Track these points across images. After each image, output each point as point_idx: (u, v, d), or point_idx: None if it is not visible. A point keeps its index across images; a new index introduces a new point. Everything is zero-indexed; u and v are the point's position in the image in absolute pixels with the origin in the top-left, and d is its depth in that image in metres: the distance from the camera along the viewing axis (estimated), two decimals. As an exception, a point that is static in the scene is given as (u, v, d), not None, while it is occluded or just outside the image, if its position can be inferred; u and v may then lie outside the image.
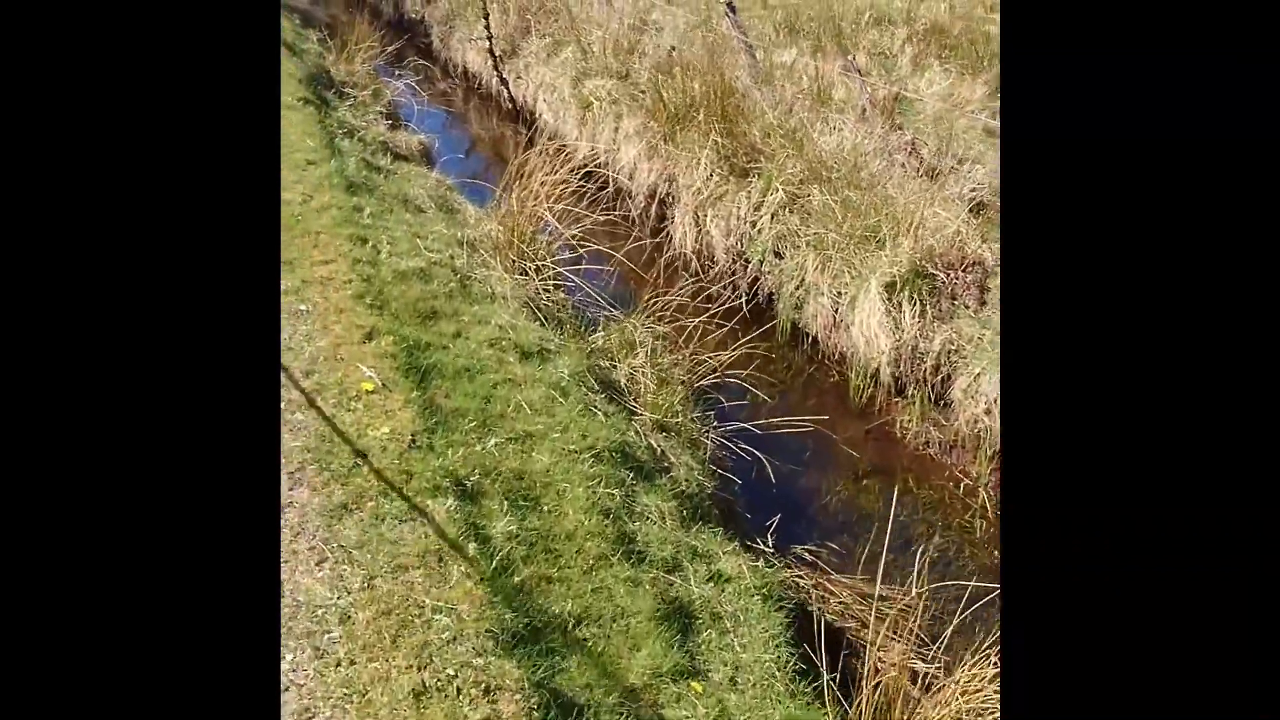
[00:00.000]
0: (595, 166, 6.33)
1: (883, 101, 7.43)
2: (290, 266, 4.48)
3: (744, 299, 6.31)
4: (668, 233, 6.98)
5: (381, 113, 8.35)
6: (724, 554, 3.76)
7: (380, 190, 5.97)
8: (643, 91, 8.14)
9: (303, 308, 4.14)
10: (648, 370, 4.93)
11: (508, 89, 8.58)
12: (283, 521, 2.92)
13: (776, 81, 7.75)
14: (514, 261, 5.43)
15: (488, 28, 8.29)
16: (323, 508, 2.99)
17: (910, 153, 6.51)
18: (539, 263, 5.43)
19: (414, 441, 3.38)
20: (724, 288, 6.45)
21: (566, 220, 5.52)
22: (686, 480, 4.28)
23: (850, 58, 6.89)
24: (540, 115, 9.13)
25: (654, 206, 7.30)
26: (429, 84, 10.05)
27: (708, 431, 4.69)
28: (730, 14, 7.66)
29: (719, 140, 6.88)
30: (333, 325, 4.04)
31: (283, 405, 3.47)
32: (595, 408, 4.28)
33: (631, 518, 3.64)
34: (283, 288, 4.28)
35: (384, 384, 3.68)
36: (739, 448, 4.73)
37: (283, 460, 3.16)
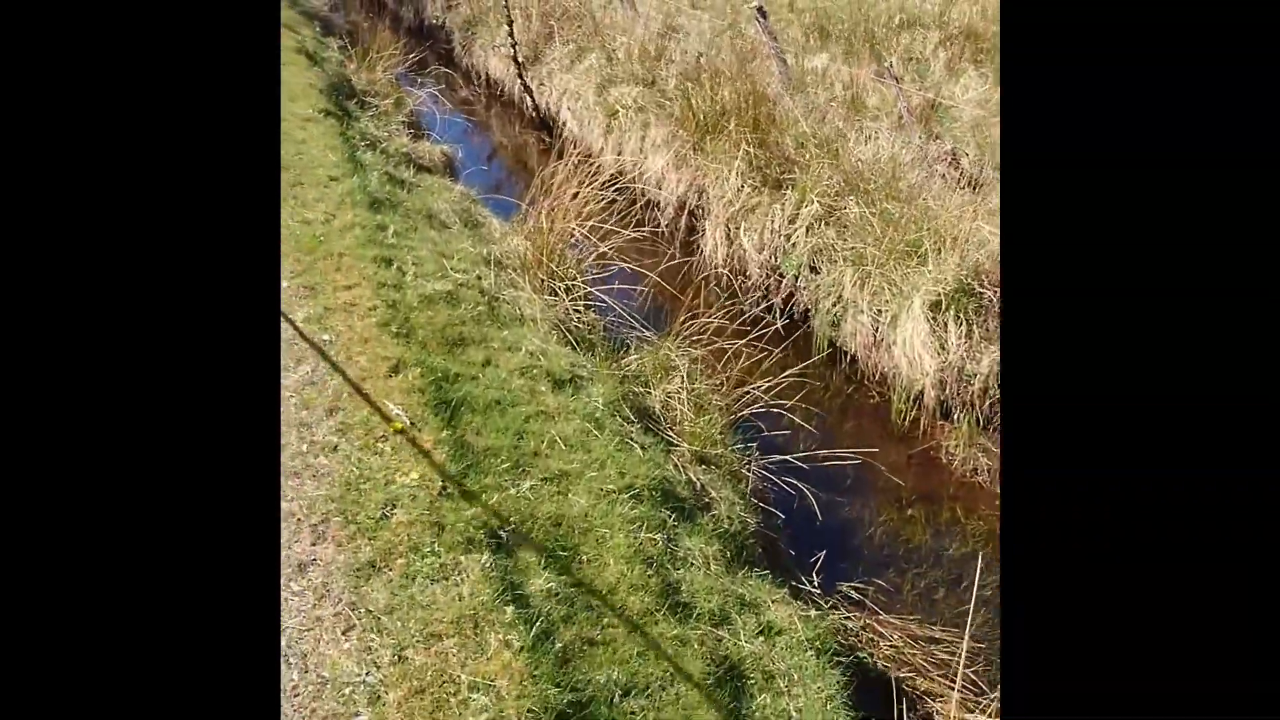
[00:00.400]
0: (624, 180, 6.05)
1: (918, 109, 7.14)
2: (313, 292, 4.25)
3: (778, 315, 6.05)
4: (698, 246, 6.72)
5: (403, 122, 8.13)
6: (772, 602, 3.50)
7: (404, 206, 5.74)
8: (670, 99, 7.88)
9: (326, 337, 3.90)
10: (684, 396, 4.67)
11: (531, 97, 8.33)
12: (306, 582, 2.68)
13: (809, 88, 7.47)
14: (543, 281, 5.18)
15: (511, 35, 8.04)
16: (348, 566, 2.75)
17: (950, 163, 6.22)
18: (568, 282, 5.18)
19: (445, 488, 3.13)
20: (757, 304, 6.21)
21: (596, 236, 5.26)
22: (728, 517, 4.03)
23: (888, 64, 6.60)
24: (564, 123, 8.88)
25: (683, 219, 7.04)
26: (450, 91, 9.83)
27: (748, 463, 4.42)
28: (760, 19, 7.39)
29: (751, 150, 6.61)
30: (358, 356, 3.80)
31: (304, 449, 3.23)
32: (632, 440, 4.03)
33: (675, 564, 3.38)
34: (306, 315, 4.05)
35: (412, 422, 3.44)
36: (780, 479, 4.46)
37: (305, 512, 2.92)
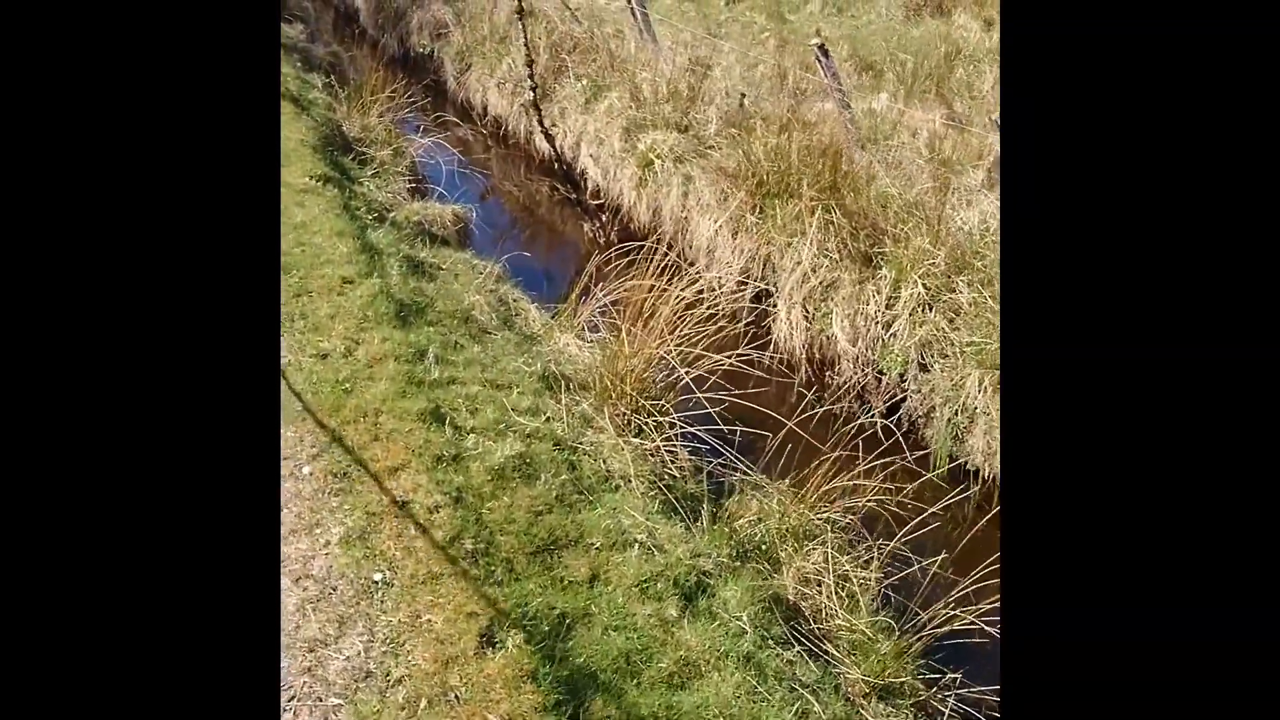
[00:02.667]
0: (720, 288, 4.72)
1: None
2: (348, 485, 2.91)
3: (878, 421, 4.82)
4: (768, 330, 5.46)
5: (405, 176, 6.75)
6: None
7: (435, 308, 4.40)
8: (711, 148, 6.60)
9: (378, 576, 2.58)
10: (829, 579, 3.42)
11: (552, 145, 7.00)
12: None
13: (880, 137, 6.23)
14: (626, 417, 3.88)
15: (531, 76, 6.68)
16: None
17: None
18: (658, 417, 3.88)
19: None
20: (851, 406, 4.98)
21: (689, 356, 3.95)
22: (938, 789, 2.80)
23: (993, 118, 5.39)
24: (583, 170, 7.54)
25: (745, 296, 5.76)
26: (445, 129, 8.43)
27: (938, 691, 3.17)
28: (822, 59, 6.12)
29: (834, 217, 5.36)
30: (428, 612, 2.48)
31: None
32: (801, 687, 2.77)
33: None
34: (343, 532, 2.72)
35: (535, 754, 2.14)
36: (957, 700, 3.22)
37: None
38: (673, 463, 3.84)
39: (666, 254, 4.19)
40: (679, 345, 3.84)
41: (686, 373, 3.85)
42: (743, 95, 6.82)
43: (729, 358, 3.85)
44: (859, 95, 7.05)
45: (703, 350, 3.84)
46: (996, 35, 8.48)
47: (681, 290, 3.88)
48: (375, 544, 2.69)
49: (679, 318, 3.88)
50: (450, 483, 3.00)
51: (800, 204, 5.51)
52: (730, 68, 7.91)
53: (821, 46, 6.15)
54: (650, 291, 3.91)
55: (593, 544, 3.02)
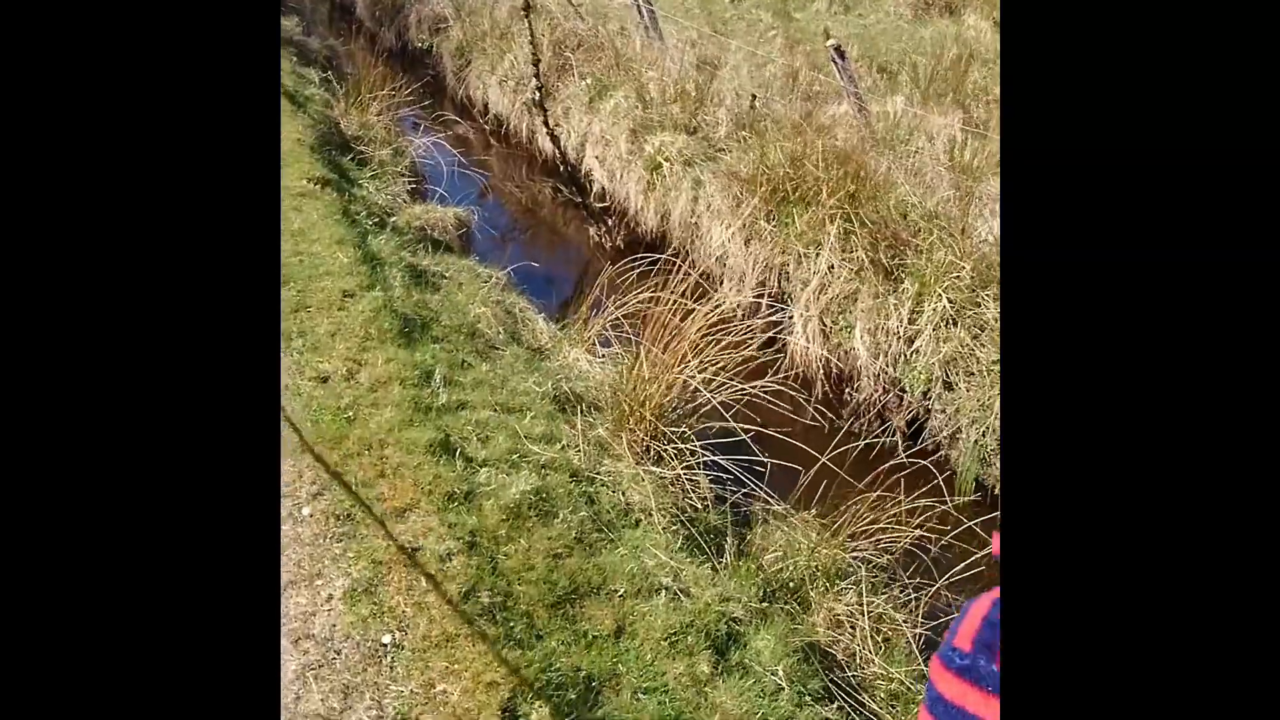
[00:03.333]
0: (749, 318, 4.44)
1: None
2: (352, 527, 2.65)
3: (899, 441, 4.59)
4: (782, 343, 5.21)
5: (405, 177, 6.47)
6: None
7: (440, 322, 4.13)
8: (720, 151, 6.34)
9: (387, 638, 2.32)
10: (864, 622, 3.18)
11: (557, 145, 6.72)
12: None
13: (898, 142, 5.97)
14: (644, 444, 3.62)
15: (537, 75, 6.40)
16: None
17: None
18: (678, 444, 3.63)
19: None
20: (871, 424, 4.75)
21: (715, 382, 3.69)
22: None
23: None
24: (589, 173, 7.26)
25: (761, 307, 5.51)
26: (444, 127, 8.13)
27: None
28: (838, 60, 5.87)
29: (854, 226, 5.10)
30: (443, 680, 2.22)
31: None
32: (845, 751, 2.53)
33: None
34: (348, 584, 2.46)
35: None
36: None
37: None
38: (694, 492, 3.59)
39: (689, 273, 3.91)
40: (702, 370, 3.58)
41: (711, 398, 3.59)
42: (753, 96, 6.55)
43: (754, 386, 3.60)
44: (873, 97, 6.79)
45: (726, 377, 3.58)
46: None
47: (705, 314, 3.61)
48: (383, 598, 2.43)
49: (703, 339, 3.62)
50: (463, 525, 2.73)
51: (819, 211, 5.26)
52: (738, 67, 7.64)
53: (838, 48, 5.90)
54: (667, 306, 3.65)
55: (616, 591, 2.76)
